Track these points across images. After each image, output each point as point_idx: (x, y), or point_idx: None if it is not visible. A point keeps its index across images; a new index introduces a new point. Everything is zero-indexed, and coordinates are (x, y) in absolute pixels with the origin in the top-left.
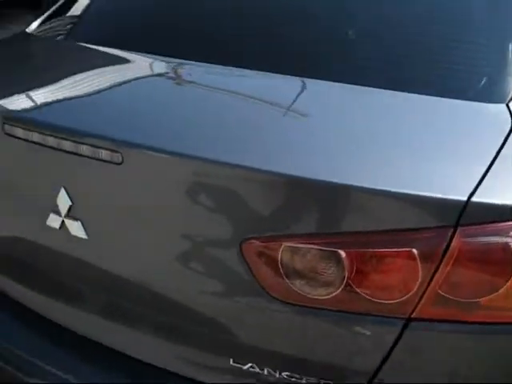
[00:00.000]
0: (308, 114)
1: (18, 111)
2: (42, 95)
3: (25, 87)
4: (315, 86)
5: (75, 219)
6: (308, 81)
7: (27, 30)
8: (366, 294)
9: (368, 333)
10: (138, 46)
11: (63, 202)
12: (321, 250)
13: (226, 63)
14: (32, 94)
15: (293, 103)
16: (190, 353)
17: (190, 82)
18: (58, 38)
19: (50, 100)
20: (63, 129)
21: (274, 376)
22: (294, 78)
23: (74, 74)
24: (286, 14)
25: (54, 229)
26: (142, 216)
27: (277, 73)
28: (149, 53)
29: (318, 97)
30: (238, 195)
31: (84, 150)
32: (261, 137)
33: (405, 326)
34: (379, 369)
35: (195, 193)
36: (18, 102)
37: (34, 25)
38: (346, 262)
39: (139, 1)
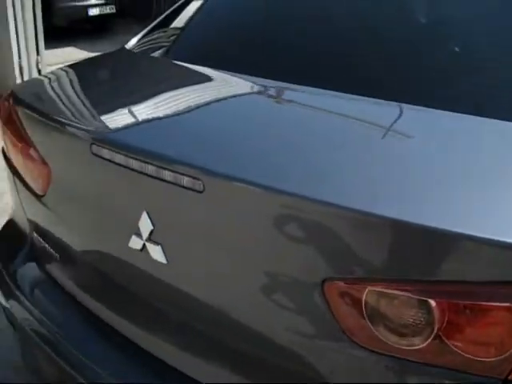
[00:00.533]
0: (413, 148)
1: (105, 132)
2: (130, 115)
3: (115, 106)
4: (421, 114)
5: (156, 243)
6: (414, 108)
7: (126, 45)
8: (458, 348)
9: None
10: (234, 66)
11: (145, 225)
12: (410, 297)
13: (325, 86)
14: (121, 113)
15: (396, 134)
16: None
17: (285, 107)
18: (155, 54)
19: (137, 121)
20: (147, 152)
21: None
22: (397, 104)
23: (165, 93)
24: (391, 36)
25: (136, 250)
26: (222, 245)
27: (378, 98)
28: (244, 73)
29: (424, 127)
30: (325, 232)
31: (166, 175)
32: (355, 170)
33: None
34: None
35: (279, 226)
36: (107, 122)
37: (133, 41)
38: (437, 312)
39: (239, 22)
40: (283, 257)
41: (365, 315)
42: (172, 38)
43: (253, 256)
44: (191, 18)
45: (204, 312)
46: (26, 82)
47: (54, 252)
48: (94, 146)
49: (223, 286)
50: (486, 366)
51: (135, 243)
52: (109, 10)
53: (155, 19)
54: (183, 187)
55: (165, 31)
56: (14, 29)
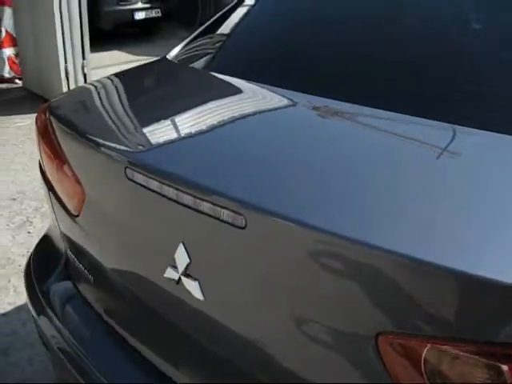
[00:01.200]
0: (477, 182)
1: (140, 155)
2: (167, 136)
3: (152, 125)
4: (486, 139)
5: (193, 279)
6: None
7: (168, 55)
8: None
9: None
10: (280, 81)
11: (181, 258)
12: (478, 360)
13: (374, 105)
14: (158, 134)
15: (461, 167)
16: None
17: (334, 128)
18: (196, 66)
19: (174, 143)
20: (184, 181)
21: None
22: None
23: (206, 112)
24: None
25: (172, 281)
26: (263, 285)
27: (436, 119)
28: (290, 89)
29: (492, 157)
30: (383, 281)
31: (205, 207)
32: (413, 209)
33: None
34: None
35: (327, 270)
36: (142, 144)
37: (175, 50)
38: (509, 379)
39: (285, 34)
40: (332, 304)
41: (424, 376)
42: (214, 48)
43: (296, 299)
44: (234, 29)
45: (241, 349)
46: (63, 94)
47: (87, 272)
48: (128, 170)
49: (265, 331)
50: None
51: (171, 275)
52: (154, 13)
53: (200, 24)
54: (223, 221)
55: (207, 41)
56: (60, 33)
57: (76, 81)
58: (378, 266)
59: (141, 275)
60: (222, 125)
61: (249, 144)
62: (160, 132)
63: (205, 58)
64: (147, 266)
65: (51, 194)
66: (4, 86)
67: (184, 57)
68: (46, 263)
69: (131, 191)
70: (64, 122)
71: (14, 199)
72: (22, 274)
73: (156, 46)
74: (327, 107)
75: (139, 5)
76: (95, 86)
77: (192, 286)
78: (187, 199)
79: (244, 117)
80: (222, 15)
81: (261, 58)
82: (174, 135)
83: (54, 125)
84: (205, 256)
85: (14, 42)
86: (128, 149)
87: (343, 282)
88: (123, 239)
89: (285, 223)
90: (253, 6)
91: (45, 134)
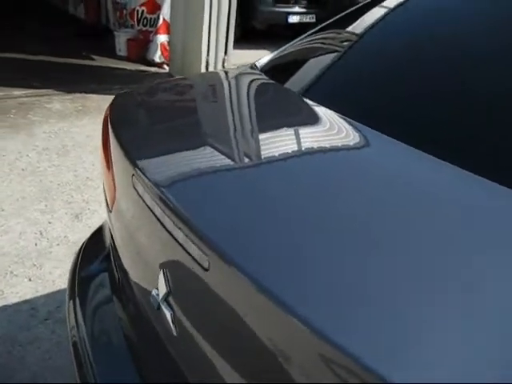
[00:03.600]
0: None
1: (145, 164)
2: (179, 149)
3: (179, 136)
4: None
5: (169, 308)
6: None
7: (257, 62)
8: None
9: None
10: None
11: (161, 285)
12: None
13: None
14: (173, 144)
15: None
16: None
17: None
18: (275, 82)
19: (183, 159)
20: (169, 203)
21: None
22: None
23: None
24: None
25: (153, 305)
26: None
27: None
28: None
29: None
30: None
31: (180, 237)
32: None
33: None
34: None
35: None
36: (152, 152)
37: (264, 60)
38: None
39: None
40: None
41: None
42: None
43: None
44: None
45: None
46: (129, 91)
47: (116, 269)
48: (133, 178)
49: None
50: None
51: (154, 298)
52: (309, 19)
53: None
54: (193, 258)
55: (301, 55)
56: (207, 27)
57: None
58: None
59: (138, 285)
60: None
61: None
62: (176, 142)
63: (291, 76)
64: (143, 280)
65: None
66: (153, 69)
67: (272, 66)
68: (93, 251)
69: (134, 200)
70: (113, 121)
71: None
72: None
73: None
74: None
75: (296, 9)
76: (163, 86)
77: (168, 316)
78: (168, 223)
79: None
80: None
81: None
82: (185, 151)
83: (108, 121)
84: (179, 289)
85: (168, 30)
86: (137, 157)
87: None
88: (129, 245)
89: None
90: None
91: (103, 129)
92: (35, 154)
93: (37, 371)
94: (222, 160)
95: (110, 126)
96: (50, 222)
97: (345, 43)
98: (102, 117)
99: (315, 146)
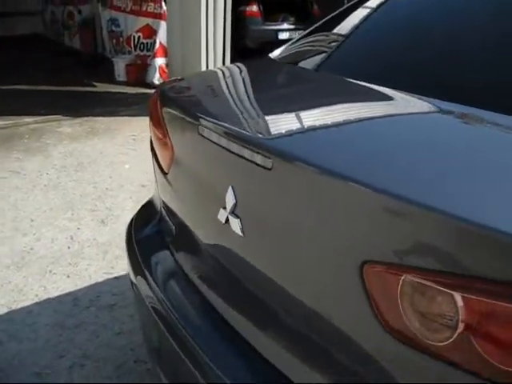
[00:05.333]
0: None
1: (209, 117)
2: (234, 108)
3: (226, 101)
4: None
5: (236, 216)
6: None
7: (270, 54)
8: (484, 351)
9: None
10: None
11: (230, 199)
12: (440, 289)
13: None
14: (228, 106)
15: None
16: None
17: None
18: (291, 62)
19: (238, 112)
20: (235, 134)
21: None
22: None
23: (277, 95)
24: None
25: (221, 222)
26: (285, 223)
27: None
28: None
29: None
30: (373, 219)
31: (246, 153)
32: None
33: None
34: None
35: (328, 208)
36: (214, 111)
37: (277, 52)
38: (463, 309)
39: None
40: (333, 236)
41: (399, 302)
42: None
43: (305, 236)
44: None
45: (266, 286)
46: (173, 80)
47: (171, 224)
48: (200, 127)
49: (282, 262)
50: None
51: (222, 215)
52: (298, 35)
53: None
54: (258, 165)
55: (307, 43)
56: (205, 47)
57: None
58: (370, 205)
59: (203, 220)
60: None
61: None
62: (229, 104)
63: (303, 57)
64: (208, 211)
65: (154, 162)
66: (153, 91)
67: (285, 55)
68: (144, 220)
69: (200, 145)
70: (168, 101)
71: (143, 186)
72: None
73: None
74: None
75: (284, 25)
76: (202, 76)
77: (235, 224)
78: (235, 147)
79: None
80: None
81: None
82: (239, 108)
83: (160, 104)
84: (246, 197)
85: (165, 53)
86: (202, 114)
87: (343, 217)
88: (193, 188)
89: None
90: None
91: (153, 110)
92: (54, 171)
93: (87, 349)
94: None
95: (160, 105)
96: (78, 228)
97: (341, 33)
98: (110, 136)
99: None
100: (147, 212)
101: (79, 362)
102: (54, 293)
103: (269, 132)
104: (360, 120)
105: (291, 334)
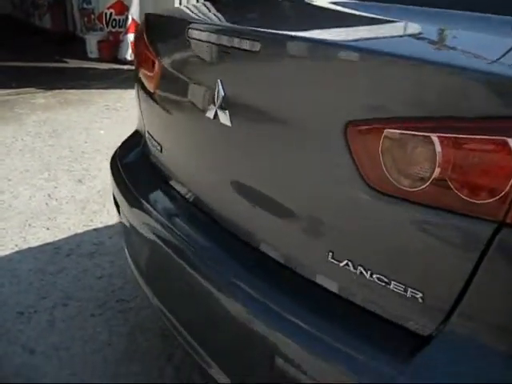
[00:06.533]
0: None
1: (198, 21)
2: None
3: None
4: None
5: (225, 108)
6: None
7: None
8: (457, 189)
9: (457, 237)
10: None
11: (219, 93)
12: (416, 134)
13: None
14: (220, 14)
15: None
16: (291, 245)
17: None
18: None
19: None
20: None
21: (365, 277)
22: None
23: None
24: None
25: (210, 119)
26: (269, 105)
27: None
28: None
29: None
30: (357, 80)
31: (234, 42)
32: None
33: (496, 232)
34: (471, 277)
35: (312, 78)
36: (204, 17)
37: None
38: (438, 149)
39: None
40: (318, 106)
41: (380, 155)
42: None
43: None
44: None
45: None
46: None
47: (155, 143)
48: (189, 30)
49: (270, 144)
50: (485, 208)
51: (210, 111)
52: None
53: None
54: (244, 50)
55: None
56: None
57: None
58: (346, 63)
59: (191, 125)
60: None
61: None
62: (216, 13)
63: None
64: (195, 114)
65: (140, 90)
66: (126, 67)
67: None
68: (128, 146)
69: (189, 48)
70: (154, 19)
71: None
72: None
73: None
74: None
75: None
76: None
77: (223, 116)
78: (224, 40)
79: None
80: None
81: None
82: (226, 14)
83: (145, 26)
84: (234, 88)
85: (138, 29)
86: (191, 18)
87: (321, 81)
88: (180, 96)
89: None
90: None
91: (139, 39)
92: (29, 137)
93: (68, 291)
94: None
95: (146, 30)
96: (55, 187)
97: None
98: (84, 107)
99: None
100: (130, 142)
101: (62, 302)
102: (34, 243)
103: (255, 23)
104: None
105: (279, 208)
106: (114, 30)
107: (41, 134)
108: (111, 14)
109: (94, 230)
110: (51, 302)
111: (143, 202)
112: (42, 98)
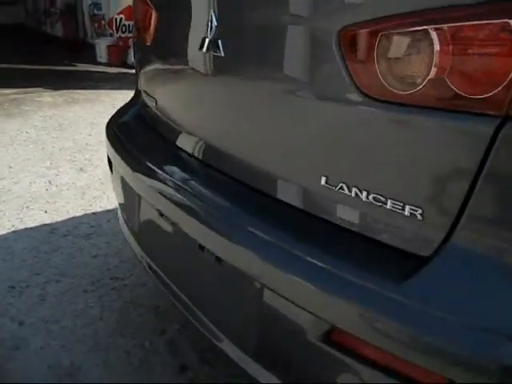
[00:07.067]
0: None
1: None
2: None
3: None
4: None
5: (217, 39)
6: None
7: None
8: (455, 85)
9: (458, 138)
10: None
11: (212, 24)
12: (415, 31)
13: None
14: None
15: None
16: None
17: None
18: None
19: None
20: None
21: (361, 199)
22: None
23: None
24: None
25: (203, 52)
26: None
27: None
28: None
29: None
30: None
31: None
32: None
33: (500, 127)
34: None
35: None
36: None
37: None
38: (436, 43)
39: None
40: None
41: (374, 59)
42: None
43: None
44: None
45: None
46: None
47: (151, 98)
48: None
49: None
50: (486, 103)
51: (204, 44)
52: None
53: None
54: None
55: None
56: None
57: None
58: None
59: (184, 61)
60: None
61: None
62: None
63: None
64: (190, 50)
65: (137, 47)
66: (134, 71)
67: None
68: (124, 110)
69: None
70: None
71: None
72: None
73: None
74: None
75: None
76: None
77: (215, 46)
78: None
79: None
80: None
81: None
82: None
83: None
84: (226, 18)
85: None
86: None
87: None
88: (176, 39)
89: None
90: None
91: None
92: (34, 130)
93: (62, 268)
94: None
95: None
96: (56, 175)
97: None
98: (91, 105)
99: None
100: (126, 106)
101: (55, 279)
102: (31, 224)
103: None
104: None
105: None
106: (123, 35)
107: (46, 128)
108: (121, 19)
109: (93, 213)
110: (44, 277)
111: (137, 154)
112: (49, 96)
